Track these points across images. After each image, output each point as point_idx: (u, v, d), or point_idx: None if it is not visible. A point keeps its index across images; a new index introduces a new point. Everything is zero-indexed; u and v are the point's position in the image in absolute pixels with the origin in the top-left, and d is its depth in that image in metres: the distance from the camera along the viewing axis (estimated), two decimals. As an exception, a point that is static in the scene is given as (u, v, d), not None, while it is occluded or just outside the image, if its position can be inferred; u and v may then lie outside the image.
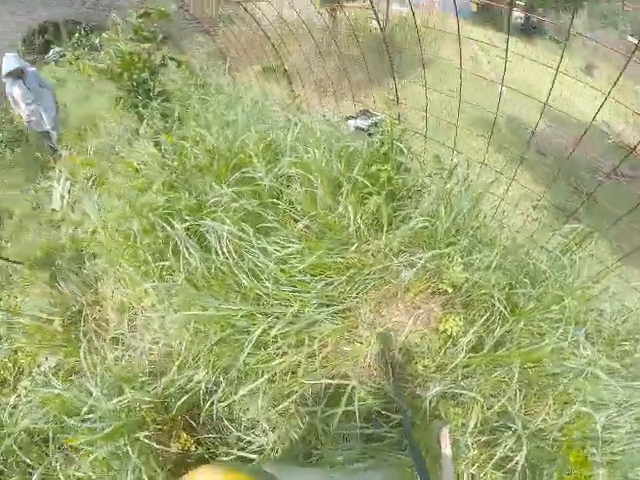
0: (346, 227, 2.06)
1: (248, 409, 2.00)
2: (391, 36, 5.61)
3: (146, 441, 1.81)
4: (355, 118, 3.45)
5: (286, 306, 1.88)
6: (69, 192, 3.98)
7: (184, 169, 2.26)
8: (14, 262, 3.39)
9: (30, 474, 2.00)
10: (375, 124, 3.36)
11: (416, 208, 2.54)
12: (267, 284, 1.81)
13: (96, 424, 1.78)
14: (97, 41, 8.52)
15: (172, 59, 3.79)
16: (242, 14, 5.01)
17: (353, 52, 4.05)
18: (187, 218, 2.01)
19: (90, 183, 3.38)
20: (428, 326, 2.20)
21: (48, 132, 5.67)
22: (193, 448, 2.00)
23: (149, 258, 2.09)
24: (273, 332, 1.82)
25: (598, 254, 2.43)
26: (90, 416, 1.84)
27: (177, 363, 1.99)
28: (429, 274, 2.29)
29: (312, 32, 4.13)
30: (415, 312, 2.26)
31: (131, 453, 1.75)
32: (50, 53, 14.32)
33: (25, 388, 2.52)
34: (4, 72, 4.92)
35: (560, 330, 1.85)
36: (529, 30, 14.47)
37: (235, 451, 1.91)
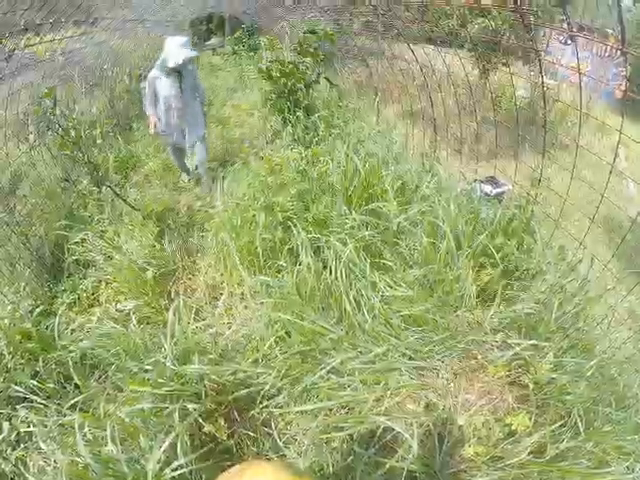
0: (457, 290, 2.00)
1: (296, 425, 1.99)
2: (535, 109, 5.46)
3: (195, 415, 1.79)
4: (482, 182, 3.39)
5: (374, 344, 1.86)
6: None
7: (321, 183, 2.38)
8: (132, 207, 3.73)
9: (65, 388, 2.12)
10: (502, 194, 3.28)
11: (524, 292, 2.44)
12: (367, 317, 1.81)
13: (152, 376, 1.82)
14: (257, 42, 9.35)
15: (326, 79, 4.05)
16: (397, 53, 5.23)
17: (494, 116, 4.02)
18: (311, 229, 2.10)
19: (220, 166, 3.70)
20: (495, 414, 2.06)
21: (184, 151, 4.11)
22: (224, 437, 2.00)
23: (260, 251, 2.20)
24: (353, 364, 1.80)
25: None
26: (150, 367, 1.89)
27: (252, 356, 2.03)
28: (516, 363, 2.17)
29: (458, 88, 4.16)
30: (487, 396, 2.14)
31: (176, 419, 1.71)
32: (211, 41, 16.13)
33: (97, 315, 2.65)
34: (172, 62, 3.36)
35: (628, 462, 1.67)
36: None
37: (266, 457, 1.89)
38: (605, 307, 2.52)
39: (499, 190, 3.41)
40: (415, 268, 2.05)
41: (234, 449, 1.94)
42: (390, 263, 2.04)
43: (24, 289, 2.89)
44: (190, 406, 1.77)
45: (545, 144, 2.95)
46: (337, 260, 1.90)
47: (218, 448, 1.93)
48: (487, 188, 3.35)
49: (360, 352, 1.85)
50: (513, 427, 1.85)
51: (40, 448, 1.84)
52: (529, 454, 1.72)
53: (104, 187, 4.11)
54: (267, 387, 1.91)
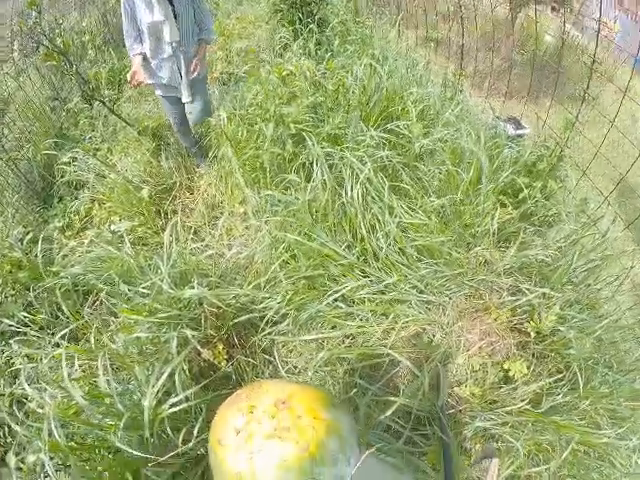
0: (476, 225, 1.86)
1: (298, 354, 1.92)
2: (560, 57, 5.09)
3: (192, 341, 1.66)
4: (504, 121, 3.17)
5: (386, 273, 1.74)
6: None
7: (336, 97, 2.13)
8: (126, 122, 3.47)
9: (58, 318, 2.03)
10: (522, 136, 3.08)
11: (540, 238, 2.34)
12: (382, 243, 1.67)
13: (148, 301, 1.71)
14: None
15: (342, -8, 3.62)
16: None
17: (521, 55, 3.71)
18: (324, 144, 1.89)
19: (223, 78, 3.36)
20: (492, 357, 2.01)
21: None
22: (223, 364, 1.93)
23: (267, 166, 2.00)
24: (363, 292, 1.69)
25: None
26: (146, 291, 1.77)
27: (254, 280, 1.90)
28: (522, 310, 2.11)
29: (485, 20, 3.80)
30: (488, 338, 2.10)
31: (174, 347, 1.60)
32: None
33: (91, 238, 2.50)
34: None
35: (621, 429, 1.64)
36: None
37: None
38: (619, 269, 2.45)
39: (520, 132, 3.20)
40: (434, 196, 1.89)
41: (233, 376, 1.88)
42: (409, 188, 1.88)
43: (13, 217, 2.78)
44: (189, 332, 1.66)
45: (587, 91, 2.70)
46: (354, 179, 1.73)
47: (217, 375, 1.86)
48: (508, 128, 3.13)
49: (371, 280, 1.73)
50: (510, 374, 1.83)
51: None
52: (525, 402, 1.71)
53: (96, 103, 3.82)
54: (271, 313, 1.80)
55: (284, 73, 2.17)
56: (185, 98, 2.60)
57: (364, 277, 1.73)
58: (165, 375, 1.37)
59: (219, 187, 2.47)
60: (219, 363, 1.92)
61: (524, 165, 2.28)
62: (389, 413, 1.43)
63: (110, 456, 1.32)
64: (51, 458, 1.19)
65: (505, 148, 2.39)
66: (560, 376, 1.80)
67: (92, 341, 1.64)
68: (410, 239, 1.77)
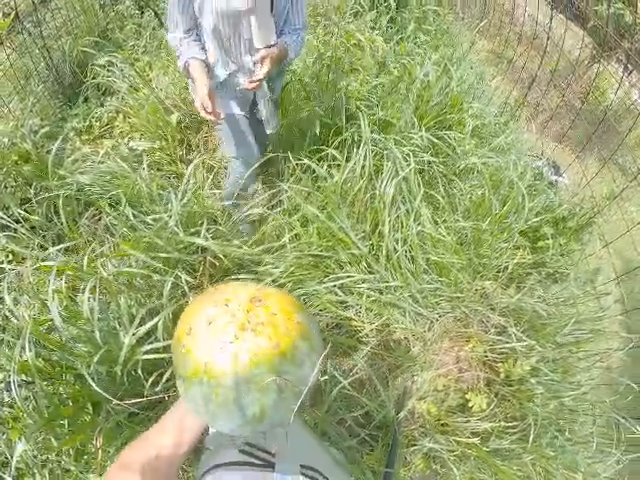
0: (490, 258, 1.84)
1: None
2: (614, 118, 4.95)
3: (186, 289, 1.62)
4: (547, 163, 3.09)
5: (391, 275, 1.72)
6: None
7: (396, 83, 2.04)
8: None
9: (51, 221, 2.00)
10: (556, 183, 3.02)
11: (543, 290, 2.34)
12: (397, 246, 1.63)
13: (149, 234, 1.62)
14: None
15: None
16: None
17: (581, 104, 3.62)
18: (373, 128, 1.82)
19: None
20: (458, 384, 2.02)
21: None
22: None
23: (307, 132, 1.92)
24: (364, 286, 1.67)
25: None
26: (151, 221, 1.71)
27: (260, 241, 1.85)
28: (501, 350, 2.13)
29: (560, 57, 3.66)
30: (460, 365, 2.09)
31: (166, 291, 1.53)
32: None
33: (107, 148, 2.44)
34: None
35: None
36: None
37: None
38: (603, 347, 2.47)
39: (557, 178, 3.13)
40: (460, 216, 1.85)
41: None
42: (441, 199, 1.83)
43: (33, 106, 2.64)
44: (184, 277, 1.61)
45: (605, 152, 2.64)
46: (392, 173, 1.67)
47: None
48: (547, 171, 3.05)
49: (374, 277, 1.70)
50: (470, 404, 1.86)
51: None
52: (475, 436, 1.74)
53: (148, 12, 3.64)
54: (269, 279, 1.74)
55: (352, 42, 2.07)
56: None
57: (369, 272, 1.71)
58: (155, 321, 1.34)
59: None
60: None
61: (557, 217, 2.24)
62: (357, 414, 1.44)
63: (76, 384, 1.29)
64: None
65: (543, 193, 2.35)
66: (514, 423, 1.82)
67: (85, 261, 1.53)
68: (425, 251, 1.74)
